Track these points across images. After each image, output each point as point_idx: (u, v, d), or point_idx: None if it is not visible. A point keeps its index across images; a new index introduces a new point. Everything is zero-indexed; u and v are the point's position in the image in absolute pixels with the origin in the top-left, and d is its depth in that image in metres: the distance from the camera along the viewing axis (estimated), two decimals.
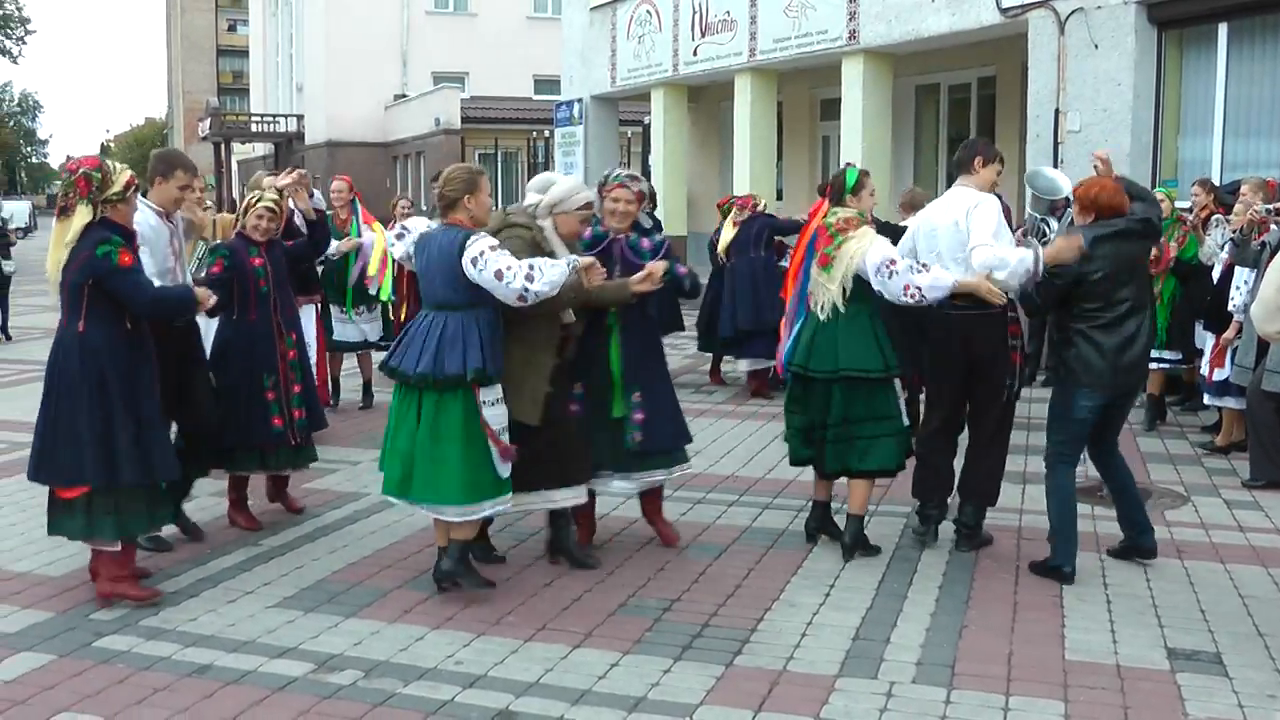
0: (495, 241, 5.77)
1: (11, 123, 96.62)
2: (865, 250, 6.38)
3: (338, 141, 43.44)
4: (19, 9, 59.68)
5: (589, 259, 5.96)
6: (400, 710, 4.72)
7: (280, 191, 7.34)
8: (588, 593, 6.06)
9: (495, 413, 5.83)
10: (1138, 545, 6.53)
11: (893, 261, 6.31)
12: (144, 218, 6.36)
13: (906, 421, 6.68)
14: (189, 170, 6.63)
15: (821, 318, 6.52)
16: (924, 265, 6.43)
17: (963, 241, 6.46)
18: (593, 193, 6.54)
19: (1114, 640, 5.39)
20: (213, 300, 6.30)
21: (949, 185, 6.90)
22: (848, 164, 7.05)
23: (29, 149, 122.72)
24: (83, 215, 5.69)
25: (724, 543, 6.89)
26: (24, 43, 61.03)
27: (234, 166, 53.47)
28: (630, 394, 6.48)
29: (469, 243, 5.73)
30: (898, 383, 6.64)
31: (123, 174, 5.84)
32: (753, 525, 7.25)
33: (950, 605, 5.85)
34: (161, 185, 6.50)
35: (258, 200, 7.18)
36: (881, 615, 5.72)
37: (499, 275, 5.62)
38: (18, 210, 44.12)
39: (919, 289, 6.25)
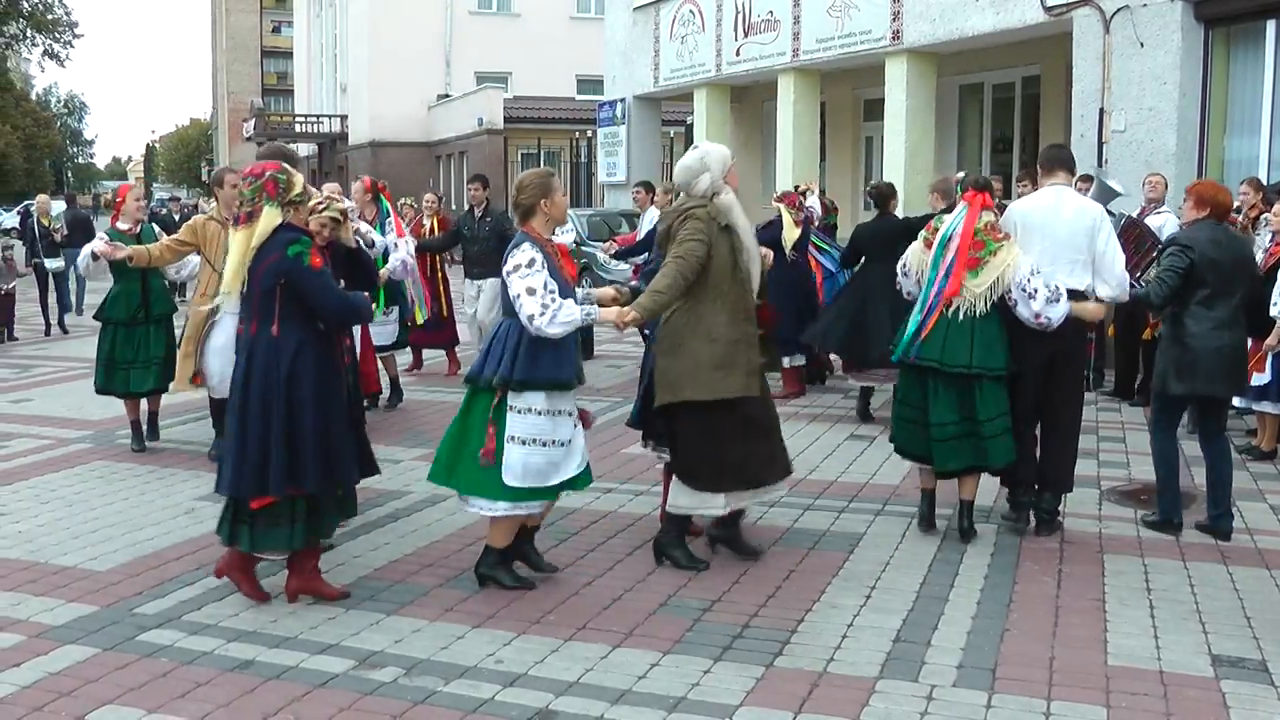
0: (533, 258, 5.79)
1: (58, 124, 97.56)
2: (1016, 263, 6.65)
3: (381, 142, 43.68)
4: (67, 13, 60.21)
5: (614, 312, 6.00)
6: (440, 708, 4.74)
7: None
8: (628, 592, 6.06)
9: (523, 421, 5.85)
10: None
11: (1029, 280, 6.63)
12: None
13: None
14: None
15: (960, 317, 6.71)
16: (1058, 293, 6.67)
17: (1085, 248, 6.79)
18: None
19: (1157, 646, 5.34)
20: None
21: (1032, 182, 7.02)
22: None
23: (75, 149, 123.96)
24: (271, 216, 5.66)
25: (765, 543, 6.87)
26: (71, 46, 61.49)
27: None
28: None
29: (510, 254, 5.85)
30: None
31: (298, 177, 5.88)
32: (794, 526, 7.22)
33: (991, 608, 5.81)
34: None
35: (325, 208, 7.07)
36: (922, 618, 5.69)
37: (517, 296, 5.73)
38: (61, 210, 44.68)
39: (1049, 319, 6.64)
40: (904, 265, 7.14)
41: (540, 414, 5.86)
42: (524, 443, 5.84)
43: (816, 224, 12.54)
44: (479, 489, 5.90)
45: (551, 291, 5.72)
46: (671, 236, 6.22)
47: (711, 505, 6.39)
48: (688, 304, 6.18)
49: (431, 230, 13.26)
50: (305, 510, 5.76)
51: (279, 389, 5.62)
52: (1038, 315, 6.61)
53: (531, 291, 5.68)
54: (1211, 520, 7.00)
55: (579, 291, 6.20)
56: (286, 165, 5.89)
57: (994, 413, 6.71)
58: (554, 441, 5.90)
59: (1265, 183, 11.19)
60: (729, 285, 6.22)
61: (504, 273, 5.84)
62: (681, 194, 6.44)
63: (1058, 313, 6.62)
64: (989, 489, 7.23)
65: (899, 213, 10.88)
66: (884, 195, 10.53)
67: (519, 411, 5.84)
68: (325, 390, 5.75)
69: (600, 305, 6.13)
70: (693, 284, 6.12)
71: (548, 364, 5.83)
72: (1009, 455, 6.78)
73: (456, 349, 13.39)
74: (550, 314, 5.66)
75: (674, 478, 6.45)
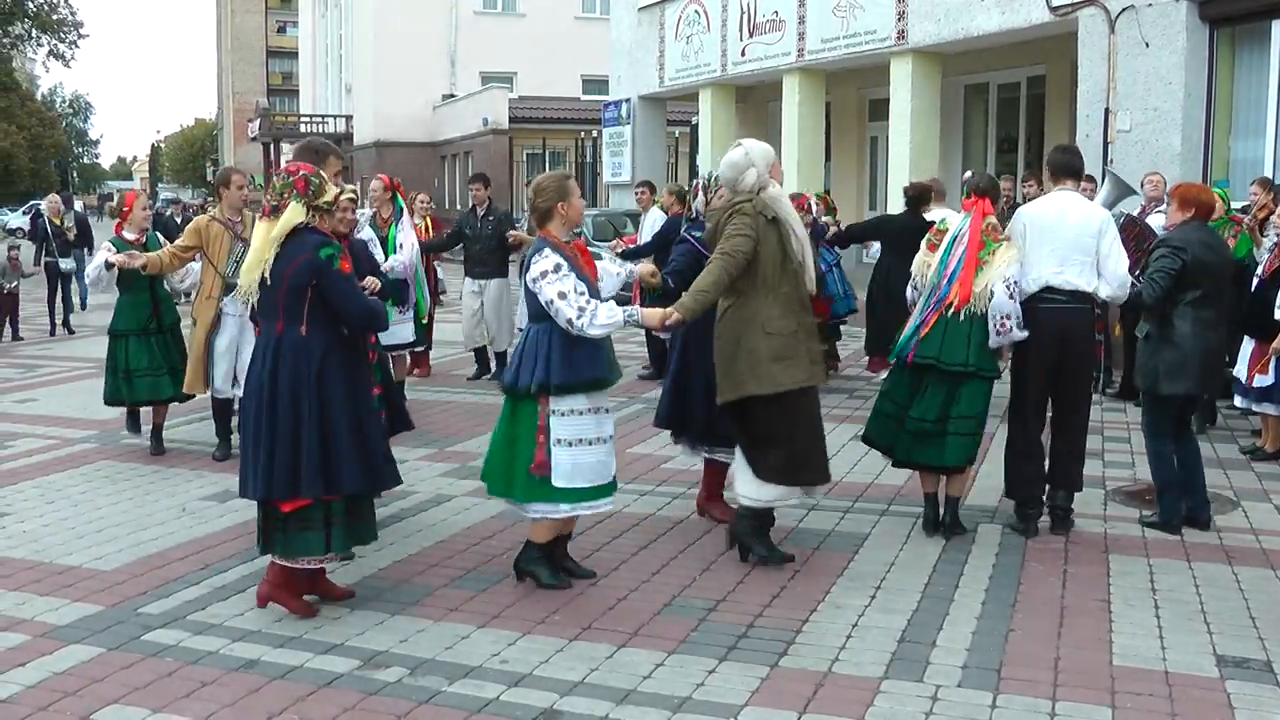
0: (558, 263, 5.80)
1: (63, 124, 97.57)
2: (1011, 260, 6.73)
3: (386, 142, 43.72)
4: (72, 14, 60.33)
5: (658, 313, 6.01)
6: (445, 708, 4.74)
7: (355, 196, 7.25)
8: (633, 592, 6.06)
9: (566, 422, 5.87)
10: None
11: (1016, 284, 6.70)
12: None
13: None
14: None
15: (960, 317, 6.72)
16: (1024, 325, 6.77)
17: (1092, 249, 6.83)
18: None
19: (1162, 646, 5.33)
20: None
21: (1037, 182, 7.09)
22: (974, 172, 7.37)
23: (80, 149, 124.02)
24: (295, 212, 5.57)
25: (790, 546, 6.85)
26: (76, 46, 61.62)
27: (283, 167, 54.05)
28: None
29: (533, 261, 5.86)
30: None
31: (330, 186, 5.82)
32: (799, 527, 7.22)
33: (996, 609, 5.81)
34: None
35: (340, 193, 7.01)
36: (927, 618, 5.68)
37: (551, 302, 5.74)
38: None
39: (1005, 334, 6.72)
40: (913, 281, 7.13)
41: (582, 413, 5.90)
42: (570, 444, 5.87)
43: (825, 238, 12.48)
44: (537, 495, 5.92)
45: (582, 293, 5.75)
46: (720, 233, 6.24)
47: (787, 498, 6.48)
48: (739, 300, 6.21)
49: (426, 231, 13.18)
50: (343, 512, 5.70)
51: (310, 388, 5.57)
52: (1006, 316, 6.65)
53: (563, 295, 5.71)
54: (1190, 510, 7.09)
55: (624, 269, 6.38)
56: (321, 172, 5.85)
57: (967, 412, 6.75)
58: (599, 439, 5.95)
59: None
60: (779, 277, 6.22)
61: (528, 279, 5.85)
62: (726, 191, 6.46)
63: (1014, 332, 6.70)
64: (993, 489, 7.22)
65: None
66: (919, 197, 10.55)
67: (561, 414, 5.86)
68: (356, 390, 5.73)
69: (641, 282, 6.41)
70: (742, 279, 6.13)
71: (584, 364, 5.86)
72: (962, 458, 6.81)
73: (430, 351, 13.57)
74: (589, 315, 5.70)
75: (743, 471, 6.45)
